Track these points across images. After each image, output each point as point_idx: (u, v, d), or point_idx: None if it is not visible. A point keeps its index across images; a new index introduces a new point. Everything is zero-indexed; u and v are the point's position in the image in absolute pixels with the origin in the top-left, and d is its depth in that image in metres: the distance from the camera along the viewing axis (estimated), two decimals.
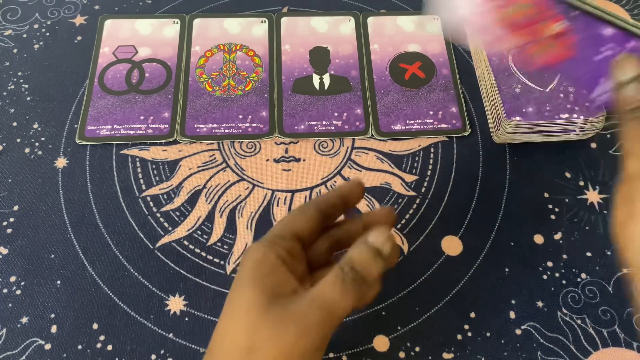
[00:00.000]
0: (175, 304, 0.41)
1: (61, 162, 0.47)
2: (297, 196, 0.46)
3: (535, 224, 0.45)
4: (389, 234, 0.30)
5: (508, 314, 0.41)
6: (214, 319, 0.41)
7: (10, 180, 0.46)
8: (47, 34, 0.54)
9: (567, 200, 0.46)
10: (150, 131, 0.48)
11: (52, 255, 0.42)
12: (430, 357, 0.39)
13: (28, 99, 0.50)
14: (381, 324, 0.40)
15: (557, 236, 0.44)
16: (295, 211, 0.33)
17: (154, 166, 0.47)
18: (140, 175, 0.46)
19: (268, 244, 0.31)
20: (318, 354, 0.29)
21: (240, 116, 0.49)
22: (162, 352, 0.39)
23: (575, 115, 0.46)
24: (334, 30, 0.54)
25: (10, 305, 0.40)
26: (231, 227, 0.44)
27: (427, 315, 0.41)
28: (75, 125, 0.48)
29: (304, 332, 0.27)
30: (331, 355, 0.39)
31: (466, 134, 0.49)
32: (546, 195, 0.46)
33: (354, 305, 0.29)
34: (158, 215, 0.45)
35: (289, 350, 0.27)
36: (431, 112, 0.50)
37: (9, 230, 0.43)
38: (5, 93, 0.50)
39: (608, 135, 0.50)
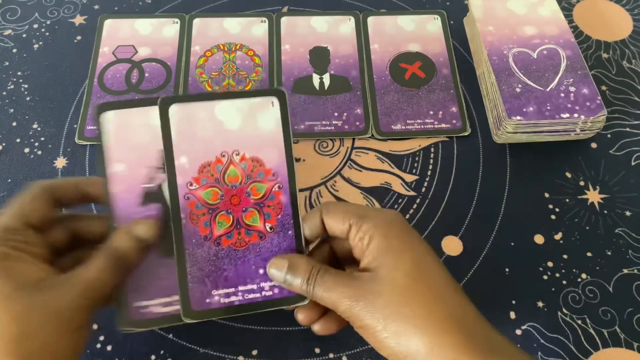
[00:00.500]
0: None
1: (61, 162, 0.47)
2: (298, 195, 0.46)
3: (536, 224, 0.45)
4: (155, 225, 0.33)
5: (508, 314, 0.41)
6: (216, 318, 0.40)
7: (10, 180, 0.46)
8: (47, 33, 0.54)
9: (567, 200, 0.46)
10: None
11: None
12: None
13: (28, 99, 0.50)
14: None
15: (558, 236, 0.44)
16: (24, 197, 0.33)
17: None
18: None
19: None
20: (82, 332, 0.31)
21: None
22: (162, 352, 0.39)
23: (575, 115, 0.46)
24: (334, 30, 0.54)
25: None
26: None
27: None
28: (75, 125, 0.48)
29: (62, 309, 0.29)
30: (331, 355, 0.39)
31: (466, 134, 0.49)
32: (546, 195, 0.46)
33: (113, 285, 0.32)
34: None
35: (45, 326, 0.29)
36: (431, 112, 0.50)
37: None
38: (5, 93, 0.50)
39: (608, 135, 0.50)
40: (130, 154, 0.34)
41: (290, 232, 0.35)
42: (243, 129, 0.35)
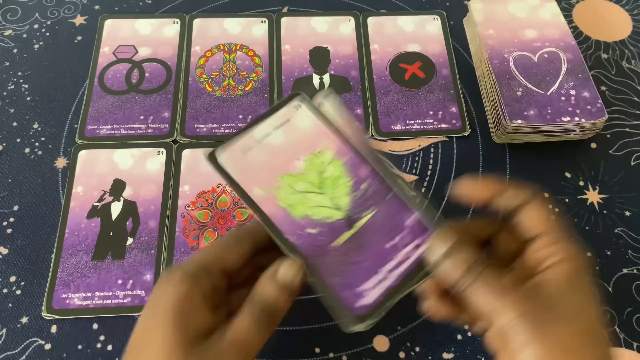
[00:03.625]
0: None
1: (61, 162, 0.47)
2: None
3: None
4: (298, 268, 0.30)
5: None
6: None
7: (10, 180, 0.46)
8: (47, 34, 0.54)
9: (567, 200, 0.46)
10: (150, 131, 0.48)
11: (52, 255, 0.42)
12: (430, 357, 0.39)
13: (28, 99, 0.50)
14: (381, 324, 0.40)
15: None
16: (229, 240, 0.31)
17: None
18: None
19: (192, 279, 0.28)
20: None
21: (240, 116, 0.49)
22: None
23: (576, 119, 0.46)
24: (334, 30, 0.54)
25: (10, 305, 0.40)
26: None
27: (427, 315, 0.41)
28: (75, 125, 0.48)
29: None
30: (331, 355, 0.39)
31: (466, 134, 0.49)
32: (546, 195, 0.46)
33: (268, 337, 0.29)
34: None
35: None
36: (431, 112, 0.50)
37: (9, 230, 0.43)
38: (5, 93, 0.50)
39: (608, 135, 0.50)
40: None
41: None
42: None
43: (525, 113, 0.46)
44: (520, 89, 0.47)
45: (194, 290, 0.28)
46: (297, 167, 0.34)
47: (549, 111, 0.46)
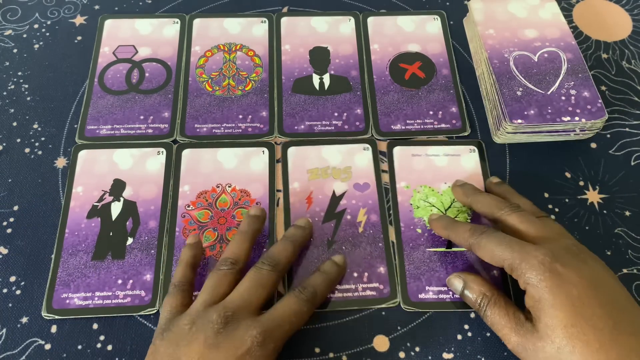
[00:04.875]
0: None
1: (61, 162, 0.47)
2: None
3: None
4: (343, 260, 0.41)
5: None
6: None
7: (10, 180, 0.46)
8: (47, 34, 0.54)
9: (567, 200, 0.46)
10: (150, 131, 0.48)
11: (52, 255, 0.42)
12: (430, 357, 0.39)
13: (28, 99, 0.50)
14: (381, 324, 0.40)
15: None
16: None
17: None
18: None
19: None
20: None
21: (240, 116, 0.49)
22: None
23: (577, 118, 0.46)
24: (334, 30, 0.54)
25: (10, 305, 0.40)
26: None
27: (427, 316, 0.41)
28: (75, 125, 0.48)
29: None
30: (331, 355, 0.39)
31: (466, 134, 0.49)
32: (546, 195, 0.46)
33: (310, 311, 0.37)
34: None
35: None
36: (431, 112, 0.50)
37: (9, 230, 0.43)
38: (5, 93, 0.50)
39: (608, 135, 0.50)
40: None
41: (264, 249, 0.42)
42: (237, 168, 0.46)
43: (526, 113, 0.46)
44: (520, 89, 0.47)
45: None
46: (439, 187, 0.45)
47: (549, 111, 0.46)
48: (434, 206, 0.44)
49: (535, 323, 0.33)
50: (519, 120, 0.46)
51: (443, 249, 0.43)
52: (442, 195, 0.45)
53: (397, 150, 0.47)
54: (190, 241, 0.40)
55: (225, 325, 0.33)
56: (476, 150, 0.47)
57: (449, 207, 0.44)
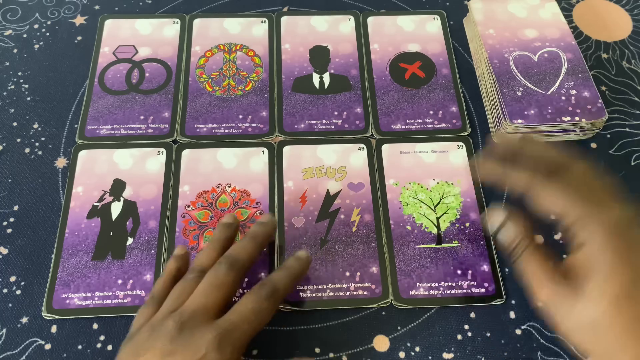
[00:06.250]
0: None
1: (61, 162, 0.47)
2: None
3: (535, 224, 0.45)
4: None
5: (508, 314, 0.41)
6: None
7: (10, 180, 0.46)
8: (47, 34, 0.54)
9: None
10: (150, 131, 0.48)
11: (52, 255, 0.42)
12: (430, 357, 0.39)
13: (28, 99, 0.50)
14: (381, 324, 0.40)
15: (557, 236, 0.44)
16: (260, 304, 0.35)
17: None
18: None
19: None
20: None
21: (240, 116, 0.49)
22: None
23: (577, 118, 0.46)
24: (334, 30, 0.54)
25: (10, 305, 0.40)
26: None
27: (427, 315, 0.41)
28: (75, 125, 0.48)
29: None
30: (331, 355, 0.39)
31: (466, 133, 0.49)
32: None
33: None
34: None
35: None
36: (431, 112, 0.50)
37: (9, 230, 0.43)
38: (5, 93, 0.50)
39: (608, 135, 0.50)
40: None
41: (265, 249, 0.42)
42: (237, 168, 0.46)
43: (526, 113, 0.46)
44: (521, 89, 0.47)
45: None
46: (429, 184, 0.45)
47: (549, 111, 0.46)
48: (423, 203, 0.44)
49: (582, 283, 0.31)
50: (519, 120, 0.46)
51: (433, 245, 0.43)
52: (431, 192, 0.45)
53: (386, 148, 0.47)
54: (177, 252, 0.39)
55: (180, 332, 0.32)
56: (464, 146, 0.47)
57: (438, 203, 0.44)
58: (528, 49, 0.50)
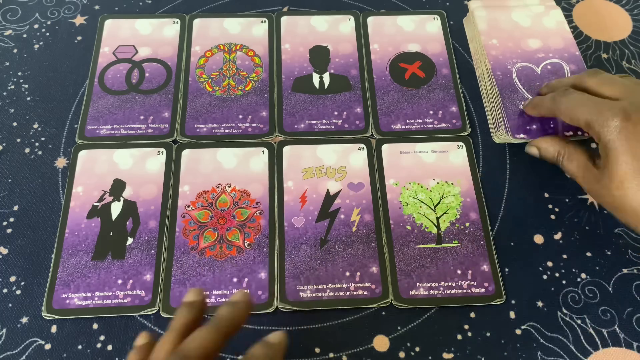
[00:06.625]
0: None
1: (61, 162, 0.47)
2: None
3: (535, 224, 0.45)
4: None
5: (508, 314, 0.41)
6: None
7: (10, 180, 0.46)
8: (47, 34, 0.54)
9: (567, 200, 0.46)
10: (150, 131, 0.48)
11: (52, 255, 0.42)
12: (430, 357, 0.39)
13: (28, 99, 0.50)
14: (381, 324, 0.40)
15: (557, 236, 0.44)
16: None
17: None
18: None
19: None
20: None
21: (240, 116, 0.49)
22: None
23: (579, 133, 0.45)
24: (334, 29, 0.54)
25: (10, 305, 0.40)
26: None
27: (427, 315, 0.41)
28: (75, 125, 0.48)
29: None
30: (331, 355, 0.39)
31: (466, 133, 0.49)
32: (546, 195, 0.46)
33: None
34: None
35: None
36: (431, 112, 0.50)
37: (9, 230, 0.43)
38: (5, 93, 0.50)
39: None
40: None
41: (265, 249, 0.42)
42: (237, 168, 0.46)
43: (528, 127, 0.46)
44: (523, 102, 0.47)
45: None
46: (428, 184, 0.45)
47: (551, 126, 0.46)
48: (423, 202, 0.44)
49: (607, 169, 0.36)
50: (522, 135, 0.45)
51: (433, 245, 0.43)
52: (431, 192, 0.45)
53: (386, 148, 0.47)
54: (189, 298, 0.34)
55: None
56: (464, 146, 0.47)
57: (438, 203, 0.44)
58: (531, 61, 0.50)
